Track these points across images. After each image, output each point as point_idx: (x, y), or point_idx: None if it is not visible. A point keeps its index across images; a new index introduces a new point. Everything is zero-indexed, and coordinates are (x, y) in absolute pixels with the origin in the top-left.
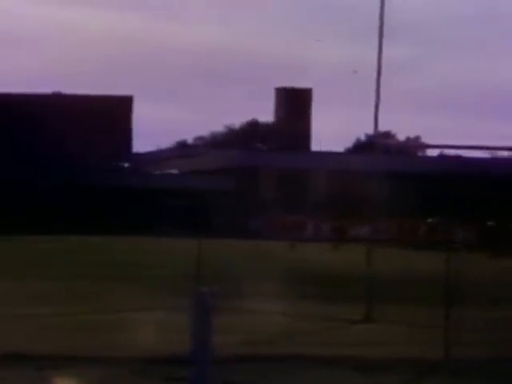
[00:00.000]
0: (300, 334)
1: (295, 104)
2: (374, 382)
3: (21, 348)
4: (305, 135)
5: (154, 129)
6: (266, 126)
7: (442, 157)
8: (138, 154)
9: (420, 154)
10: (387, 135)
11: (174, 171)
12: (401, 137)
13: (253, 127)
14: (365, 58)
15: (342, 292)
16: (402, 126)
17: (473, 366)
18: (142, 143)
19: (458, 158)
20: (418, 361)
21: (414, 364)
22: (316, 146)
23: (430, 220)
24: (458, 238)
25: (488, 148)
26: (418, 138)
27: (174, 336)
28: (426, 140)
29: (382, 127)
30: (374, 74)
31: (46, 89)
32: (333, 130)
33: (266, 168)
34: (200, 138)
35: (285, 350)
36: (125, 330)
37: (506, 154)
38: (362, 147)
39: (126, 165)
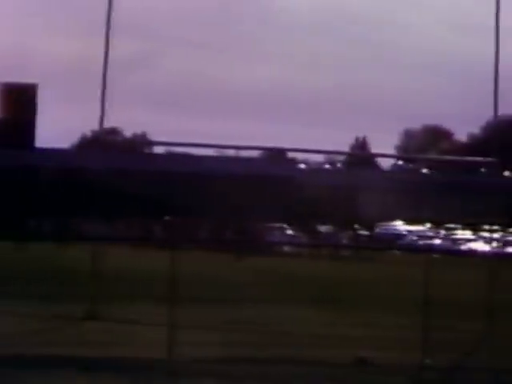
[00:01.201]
0: (21, 334)
1: (18, 100)
2: (96, 383)
3: None
4: (28, 132)
5: None
6: None
7: (169, 154)
8: None
9: (147, 151)
10: (114, 131)
11: None
12: (128, 133)
13: None
14: (93, 54)
15: (67, 290)
16: (129, 122)
17: (197, 366)
18: None
19: (186, 155)
20: (141, 360)
21: (136, 364)
22: (42, 142)
23: (167, 218)
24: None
25: (215, 146)
26: (144, 135)
27: None
28: (152, 137)
29: (109, 123)
30: (101, 70)
31: None
32: (59, 127)
33: None
34: None
35: (5, 350)
36: None
37: (232, 152)
38: (88, 144)
39: None
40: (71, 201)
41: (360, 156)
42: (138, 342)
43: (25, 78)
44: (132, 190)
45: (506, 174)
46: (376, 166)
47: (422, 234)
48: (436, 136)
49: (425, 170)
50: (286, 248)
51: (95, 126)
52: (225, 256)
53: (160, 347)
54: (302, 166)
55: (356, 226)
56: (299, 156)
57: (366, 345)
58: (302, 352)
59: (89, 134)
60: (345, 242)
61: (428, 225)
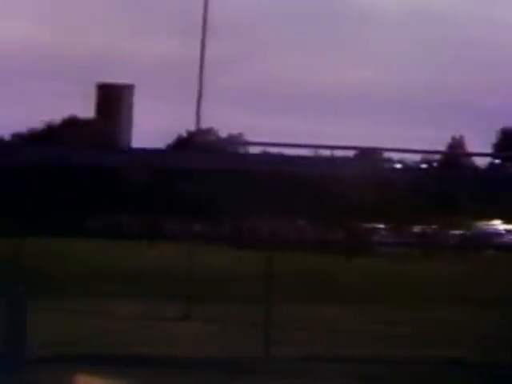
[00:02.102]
0: (118, 333)
1: (116, 100)
2: (192, 382)
3: None
4: (125, 132)
5: None
6: (85, 122)
7: (264, 154)
8: None
9: (242, 151)
10: (209, 132)
11: None
12: (223, 134)
13: (72, 124)
14: (188, 54)
15: (161, 290)
16: (224, 122)
17: (292, 365)
18: None
19: (281, 155)
20: (238, 359)
21: (233, 363)
22: (138, 143)
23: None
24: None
25: (311, 146)
26: (240, 135)
27: None
28: (248, 137)
29: (205, 124)
30: (197, 71)
31: None
32: (156, 127)
33: (79, 166)
34: (17, 135)
35: (103, 349)
36: None
37: (328, 152)
38: (183, 144)
39: None
40: (166, 201)
41: (455, 155)
42: (234, 342)
43: (122, 79)
44: (227, 191)
45: None
46: (472, 165)
47: None
48: None
49: None
50: (385, 249)
51: (191, 127)
52: (333, 257)
53: (256, 346)
54: (398, 166)
55: (454, 225)
56: (395, 156)
57: (460, 344)
58: (398, 351)
59: (184, 134)
60: (442, 241)
61: None
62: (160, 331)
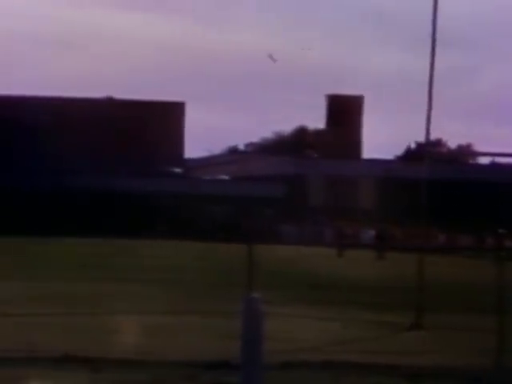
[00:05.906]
0: (348, 342)
1: (346, 111)
2: None
3: (72, 350)
4: (355, 143)
5: (204, 134)
6: (316, 132)
7: (494, 165)
8: (190, 160)
9: (472, 162)
10: (438, 143)
11: (225, 177)
12: (452, 145)
13: (302, 134)
14: (417, 66)
15: (391, 299)
16: (452, 133)
17: None
18: (193, 149)
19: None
20: (468, 369)
21: (463, 372)
22: (367, 153)
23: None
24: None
25: None
26: (469, 146)
27: (226, 341)
28: (477, 148)
29: (433, 135)
30: (426, 82)
31: (98, 94)
32: (383, 138)
33: (315, 175)
34: (251, 145)
35: (333, 357)
36: (174, 335)
37: None
38: (412, 155)
39: (178, 170)
40: (390, 211)
41: None
42: (463, 351)
43: (351, 89)
44: (460, 202)
45: None
46: None
47: None
48: None
49: None
50: None
51: (421, 138)
52: None
53: (488, 356)
54: None
55: None
56: None
57: None
58: None
59: (413, 145)
60: None
61: None
62: (391, 340)
